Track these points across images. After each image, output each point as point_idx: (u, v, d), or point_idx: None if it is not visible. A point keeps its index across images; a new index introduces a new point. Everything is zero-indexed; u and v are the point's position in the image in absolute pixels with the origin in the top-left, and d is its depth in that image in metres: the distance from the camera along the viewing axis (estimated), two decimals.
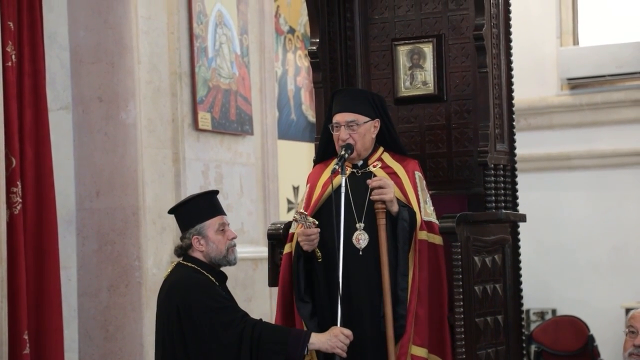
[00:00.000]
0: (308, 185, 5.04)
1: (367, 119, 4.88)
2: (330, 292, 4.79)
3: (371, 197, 4.76)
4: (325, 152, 5.05)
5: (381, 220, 4.75)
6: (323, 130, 5.08)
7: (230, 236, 4.83)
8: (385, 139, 4.99)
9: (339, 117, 4.89)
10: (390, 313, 4.70)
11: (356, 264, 4.77)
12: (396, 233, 4.76)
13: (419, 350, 4.71)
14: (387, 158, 4.96)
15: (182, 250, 4.86)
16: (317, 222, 4.75)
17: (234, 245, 4.84)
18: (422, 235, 4.77)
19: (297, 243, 4.86)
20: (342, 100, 4.92)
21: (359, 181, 4.85)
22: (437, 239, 4.83)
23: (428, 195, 4.94)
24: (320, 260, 4.81)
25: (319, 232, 4.77)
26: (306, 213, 4.77)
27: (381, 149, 4.99)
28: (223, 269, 4.87)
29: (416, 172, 4.93)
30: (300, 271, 4.86)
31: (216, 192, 4.96)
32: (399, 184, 4.86)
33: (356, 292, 4.77)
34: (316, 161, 5.14)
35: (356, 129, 4.86)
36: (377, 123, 4.92)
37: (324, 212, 4.85)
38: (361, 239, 4.81)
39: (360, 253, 4.80)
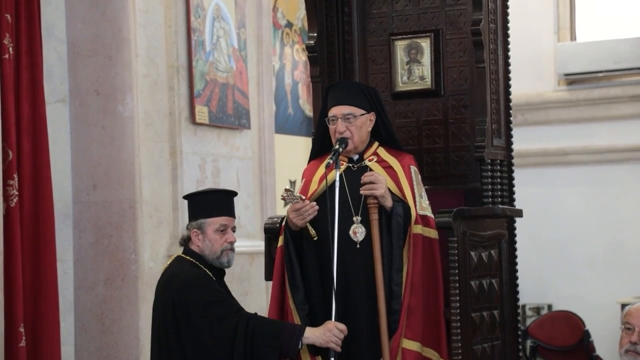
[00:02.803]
0: (303, 180, 5.04)
1: (364, 111, 4.89)
2: (326, 286, 4.80)
3: (361, 192, 4.76)
4: (320, 148, 5.05)
5: (373, 215, 4.76)
6: (318, 125, 5.08)
7: (229, 239, 4.83)
8: (380, 133, 4.99)
9: (335, 110, 4.89)
10: (384, 307, 4.71)
11: (353, 257, 4.78)
12: (390, 228, 4.77)
13: (410, 344, 4.71)
14: (383, 152, 4.97)
15: (184, 241, 4.88)
16: (303, 197, 4.75)
17: (231, 249, 4.84)
18: (417, 229, 4.77)
19: (286, 227, 4.86)
20: (337, 94, 4.92)
21: (355, 175, 4.86)
22: (433, 233, 4.83)
23: (423, 190, 4.94)
24: (315, 238, 4.79)
25: (311, 206, 4.73)
26: (292, 190, 4.76)
27: (376, 143, 4.99)
28: None
29: (412, 166, 4.94)
30: (292, 255, 4.86)
31: (234, 193, 4.97)
32: (395, 178, 4.87)
33: (353, 285, 4.78)
34: (311, 157, 5.14)
35: (353, 122, 4.86)
36: (372, 116, 4.93)
37: (320, 207, 4.85)
38: (358, 232, 4.81)
39: (358, 246, 4.81)
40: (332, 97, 4.93)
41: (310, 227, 4.79)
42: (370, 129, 4.94)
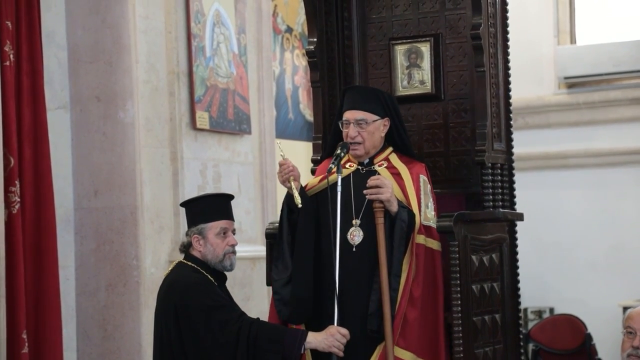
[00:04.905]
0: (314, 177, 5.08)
1: (377, 117, 4.90)
2: (322, 288, 4.80)
3: (367, 195, 4.77)
4: (335, 147, 5.05)
5: (379, 219, 4.75)
6: (334, 125, 5.09)
7: (230, 242, 4.84)
8: (394, 139, 5.00)
9: (348, 115, 4.91)
10: (389, 312, 4.69)
11: (349, 260, 4.77)
12: (393, 233, 4.77)
13: (402, 353, 4.69)
14: (394, 159, 4.97)
15: (184, 248, 4.88)
16: (287, 158, 4.78)
17: (233, 252, 4.85)
18: (420, 239, 4.77)
19: (285, 199, 4.89)
20: (352, 98, 4.94)
21: (362, 178, 4.86)
22: (435, 244, 4.82)
23: (431, 200, 4.91)
24: (299, 206, 4.77)
25: (288, 165, 4.76)
26: (284, 156, 4.80)
27: (390, 148, 5.00)
28: None
29: (421, 176, 4.92)
30: (284, 219, 4.87)
31: (230, 196, 4.98)
32: (402, 186, 4.86)
33: (347, 289, 4.76)
34: (324, 156, 5.16)
35: (365, 127, 4.88)
36: (387, 122, 4.94)
37: (322, 209, 4.86)
38: (356, 235, 4.82)
39: (354, 249, 4.81)
40: (347, 100, 4.95)
41: (296, 194, 4.77)
42: (383, 134, 4.95)
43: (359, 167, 4.94)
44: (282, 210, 4.93)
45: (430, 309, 4.77)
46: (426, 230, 4.80)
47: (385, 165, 4.94)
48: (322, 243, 4.82)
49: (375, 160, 4.95)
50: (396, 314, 4.71)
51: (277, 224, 4.97)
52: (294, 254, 4.84)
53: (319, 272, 4.84)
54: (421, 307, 4.74)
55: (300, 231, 4.85)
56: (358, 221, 4.83)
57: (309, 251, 4.83)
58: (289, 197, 4.84)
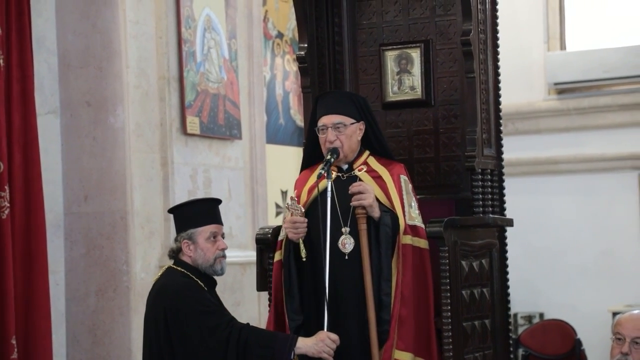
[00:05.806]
0: (295, 191, 5.05)
1: (353, 120, 4.91)
2: (317, 296, 4.81)
3: (351, 203, 4.77)
4: (311, 158, 5.06)
5: (362, 225, 4.76)
6: (308, 135, 5.09)
7: (220, 246, 4.84)
8: (371, 142, 5.00)
9: (325, 120, 4.90)
10: (373, 317, 4.71)
11: (342, 268, 4.78)
12: (379, 238, 4.78)
13: (402, 355, 4.71)
14: (373, 162, 4.97)
15: (174, 253, 4.88)
16: (303, 211, 4.78)
17: (223, 256, 4.85)
18: (407, 239, 4.78)
19: (287, 238, 4.87)
20: (327, 103, 4.94)
21: (344, 185, 4.86)
22: (423, 243, 4.83)
23: (414, 199, 4.94)
24: (305, 258, 4.81)
25: (306, 223, 4.78)
26: (296, 199, 4.80)
27: (367, 152, 5.00)
28: None
29: (401, 176, 4.94)
30: (292, 265, 4.87)
31: (218, 201, 4.98)
32: (384, 188, 4.87)
33: (342, 297, 4.78)
34: (302, 167, 5.15)
35: (343, 131, 4.88)
36: (362, 125, 4.95)
37: (310, 216, 4.86)
38: (347, 243, 4.82)
39: (346, 257, 4.81)
40: (321, 106, 4.95)
41: (302, 247, 4.80)
42: (360, 138, 4.95)
43: (339, 175, 4.94)
44: (287, 258, 4.90)
45: (422, 308, 4.79)
46: (412, 229, 4.81)
47: (365, 169, 4.94)
48: (314, 253, 4.82)
49: (355, 165, 4.95)
50: (391, 317, 4.73)
51: (283, 254, 4.96)
52: (305, 293, 4.88)
53: (314, 281, 4.84)
54: (413, 306, 4.75)
55: (306, 271, 4.89)
56: (347, 229, 4.83)
57: (312, 287, 4.87)
58: (295, 246, 4.84)
